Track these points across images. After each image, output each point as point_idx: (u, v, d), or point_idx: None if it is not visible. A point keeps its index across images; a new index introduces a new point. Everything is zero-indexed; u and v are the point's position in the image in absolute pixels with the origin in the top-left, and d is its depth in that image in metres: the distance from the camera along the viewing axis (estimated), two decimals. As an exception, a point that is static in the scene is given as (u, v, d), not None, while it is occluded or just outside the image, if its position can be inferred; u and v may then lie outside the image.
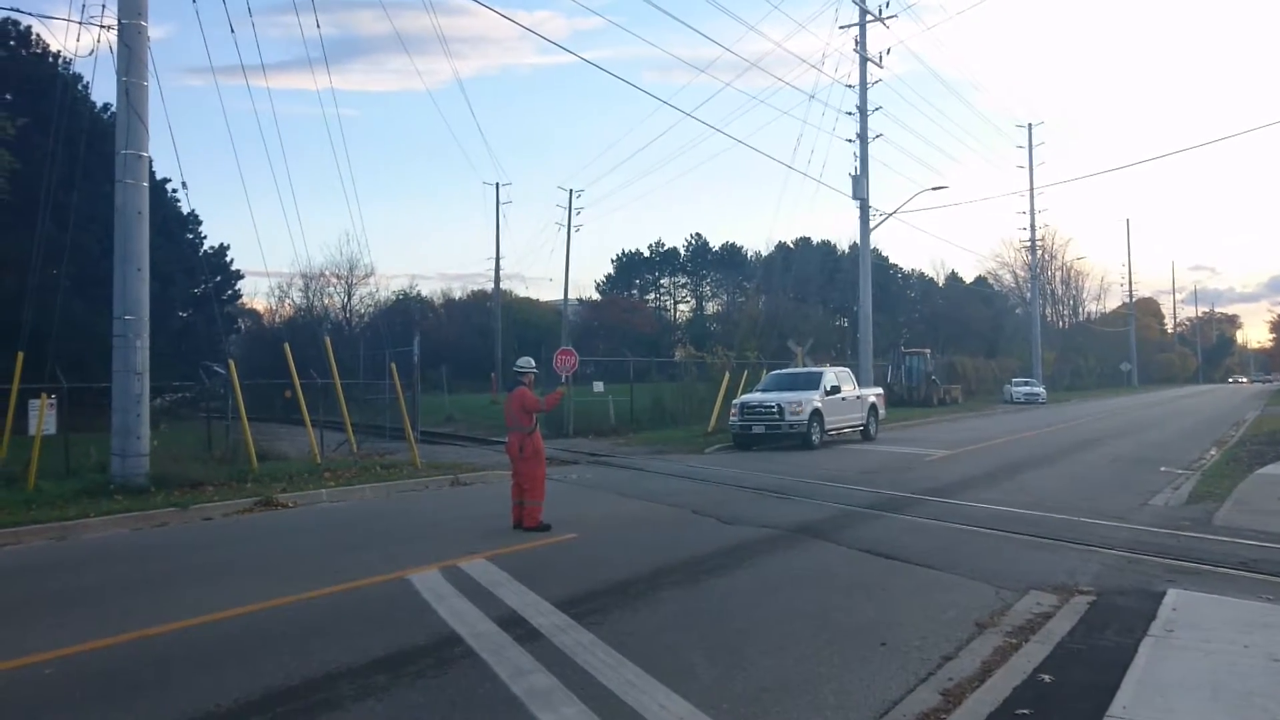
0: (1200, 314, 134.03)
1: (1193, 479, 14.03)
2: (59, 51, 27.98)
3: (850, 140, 33.49)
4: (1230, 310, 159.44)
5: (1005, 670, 5.19)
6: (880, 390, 27.30)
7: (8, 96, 26.86)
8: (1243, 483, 13.03)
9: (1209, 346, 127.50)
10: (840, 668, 5.33)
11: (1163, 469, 15.65)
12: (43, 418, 14.10)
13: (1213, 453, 18.46)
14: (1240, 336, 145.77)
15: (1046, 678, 5.03)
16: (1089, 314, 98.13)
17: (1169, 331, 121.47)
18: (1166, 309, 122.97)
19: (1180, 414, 35.26)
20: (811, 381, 22.64)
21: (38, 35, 30.12)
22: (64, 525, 10.88)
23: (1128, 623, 6.01)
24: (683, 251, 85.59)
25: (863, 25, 33.11)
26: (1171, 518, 10.58)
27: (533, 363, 11.14)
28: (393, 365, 19.64)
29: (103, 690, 5.16)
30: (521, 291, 70.32)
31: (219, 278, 38.73)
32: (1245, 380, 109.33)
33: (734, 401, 22.93)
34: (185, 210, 33.74)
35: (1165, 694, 4.65)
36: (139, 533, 10.96)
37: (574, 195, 49.73)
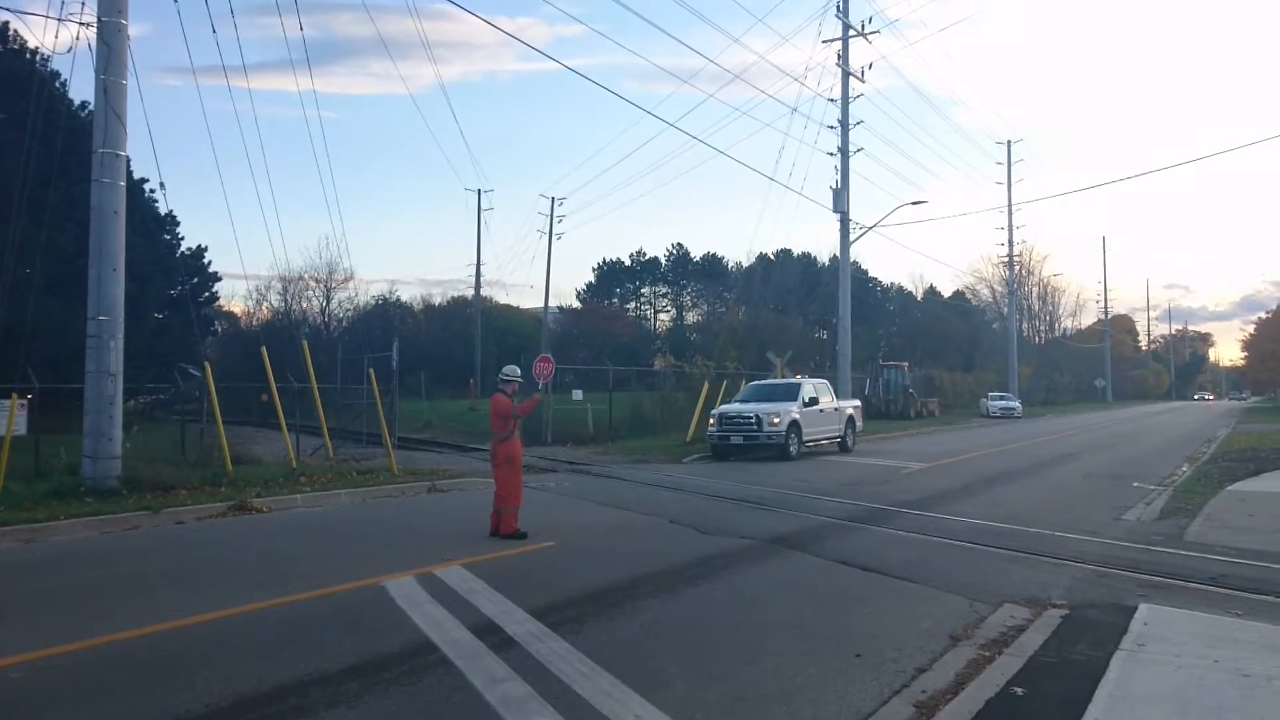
0: (1174, 332, 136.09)
1: (1165, 495, 14.17)
2: (37, 48, 27.68)
3: (832, 154, 33.72)
4: (1203, 329, 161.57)
5: (978, 683, 5.21)
6: (858, 402, 27.41)
7: (-17, 92, 26.53)
8: (1214, 499, 13.17)
9: (1182, 364, 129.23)
10: (816, 678, 5.34)
11: (1135, 484, 15.80)
12: (13, 418, 13.89)
13: (1185, 469, 18.66)
14: (1213, 354, 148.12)
15: (1019, 690, 5.06)
16: (1065, 330, 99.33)
17: (1143, 348, 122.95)
18: (1141, 326, 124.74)
19: (1153, 430, 35.64)
20: (790, 393, 22.73)
21: (15, 31, 29.81)
22: (33, 528, 10.72)
23: (1100, 636, 6.05)
24: (664, 261, 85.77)
25: (845, 40, 33.38)
26: (1143, 533, 10.68)
27: (517, 371, 11.17)
28: (371, 370, 19.54)
29: (71, 694, 5.08)
30: (502, 298, 70.17)
31: (196, 279, 38.41)
32: (1210, 397, 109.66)
33: (712, 412, 22.98)
34: (163, 210, 33.60)
35: (1136, 708, 4.69)
36: (109, 536, 10.82)
37: (556, 203, 49.66)
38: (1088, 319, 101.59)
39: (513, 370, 11.07)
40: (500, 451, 10.50)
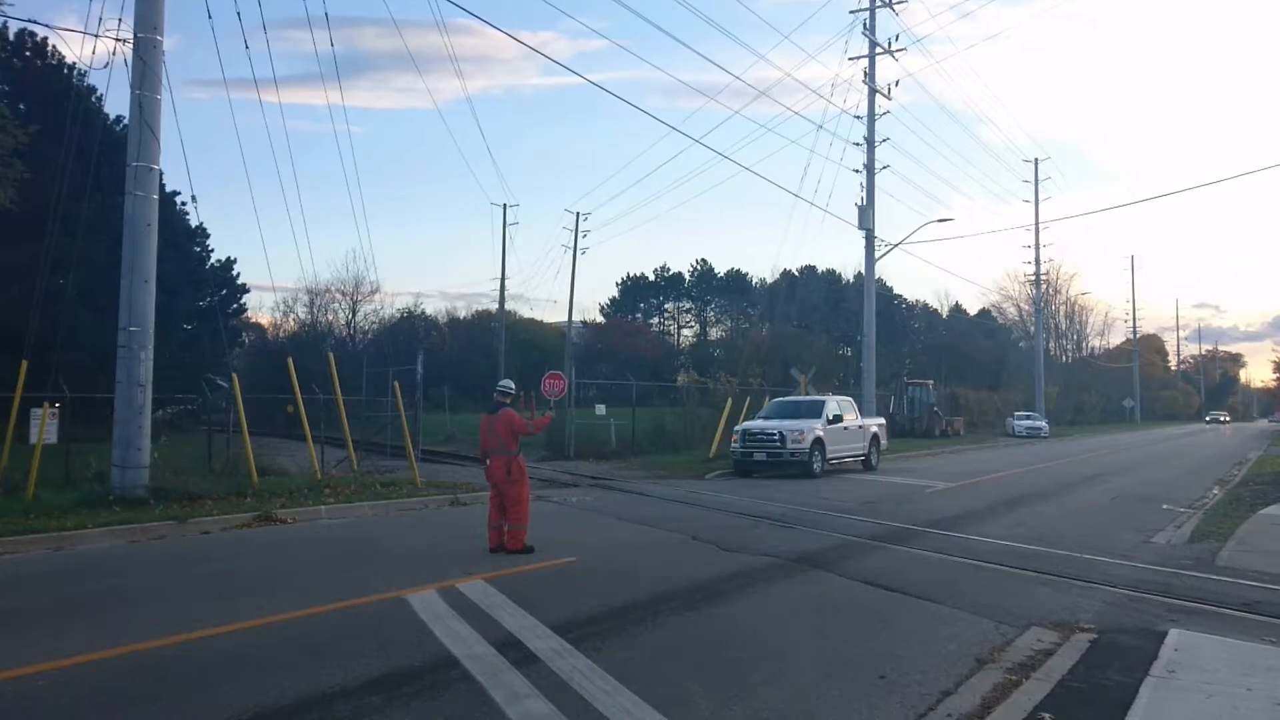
0: (1204, 352, 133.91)
1: (1195, 518, 13.95)
2: (74, 63, 28.25)
3: (857, 170, 33.66)
4: (1234, 349, 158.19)
5: (1005, 707, 5.13)
6: (882, 420, 27.26)
7: (21, 106, 27.08)
8: (1245, 523, 12.95)
9: (1212, 385, 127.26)
10: (839, 700, 5.28)
11: (1165, 507, 15.57)
12: (44, 426, 14.10)
13: (1215, 492, 18.37)
14: (1244, 375, 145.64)
15: (1047, 716, 4.98)
16: (1092, 349, 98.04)
17: (1172, 369, 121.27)
18: (1170, 346, 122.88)
19: (1182, 452, 35.15)
20: (814, 410, 22.61)
21: (53, 47, 30.51)
22: (61, 536, 10.85)
23: (1129, 662, 5.96)
24: (688, 276, 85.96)
25: (872, 57, 33.36)
26: (1173, 556, 10.52)
27: (512, 385, 11.24)
28: (395, 383, 19.65)
29: (94, 703, 5.12)
30: (526, 312, 70.39)
31: (225, 291, 38.89)
32: (1226, 418, 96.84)
33: (736, 428, 22.88)
34: (194, 223, 33.99)
35: (1167, 736, 4.60)
36: (136, 545, 10.93)
37: (580, 218, 49.78)
38: (1116, 338, 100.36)
39: (508, 384, 11.15)
40: (515, 468, 10.49)
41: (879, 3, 33.14)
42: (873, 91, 33.56)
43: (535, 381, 25.50)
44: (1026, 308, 75.05)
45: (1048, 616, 7.40)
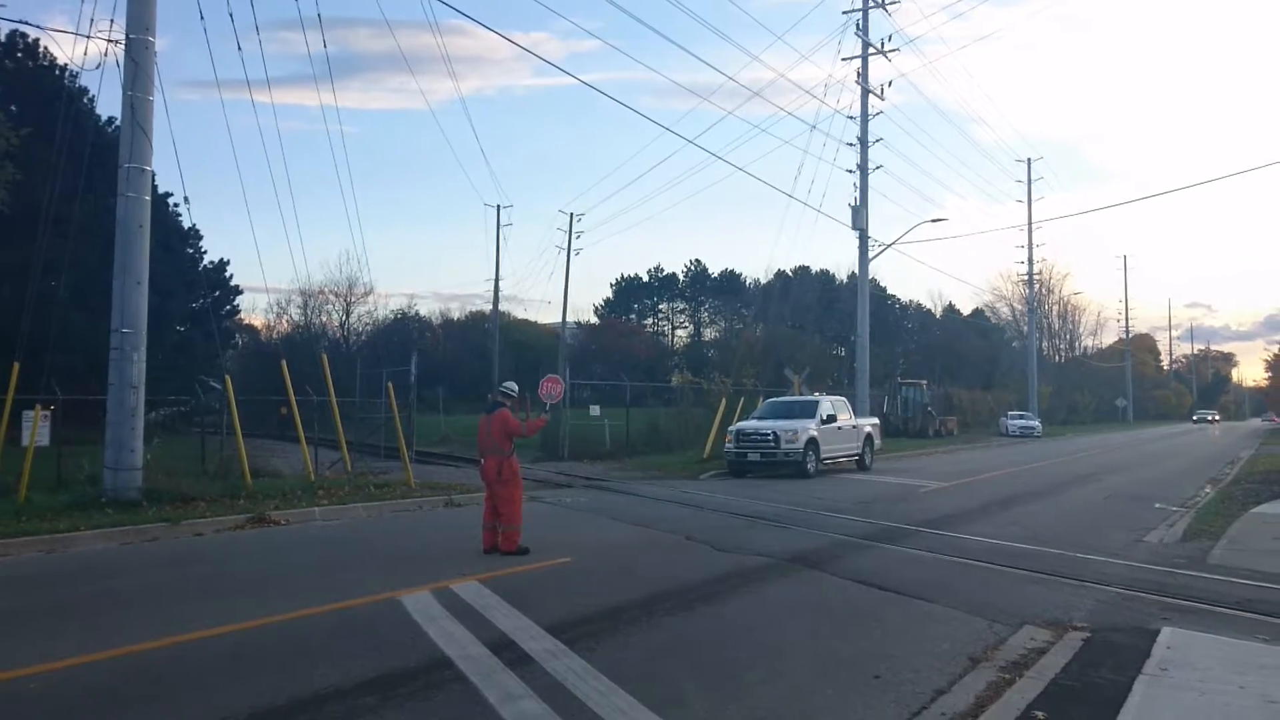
0: (1196, 351, 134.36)
1: (1187, 516, 14.00)
2: (66, 64, 28.14)
3: (850, 171, 33.71)
4: (1226, 348, 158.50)
5: (999, 706, 5.15)
6: (876, 420, 27.28)
7: (13, 108, 26.97)
8: (1237, 521, 13.00)
9: (1204, 384, 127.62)
10: (834, 699, 5.29)
11: (1157, 505, 15.62)
12: (36, 429, 14.04)
13: (1207, 490, 18.42)
14: (1236, 375, 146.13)
15: (1040, 714, 4.99)
16: (1085, 349, 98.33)
17: (1164, 368, 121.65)
18: (1162, 346, 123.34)
19: (1175, 451, 35.26)
20: (808, 410, 22.64)
21: (45, 48, 30.41)
22: (54, 538, 10.82)
23: (1122, 660, 5.97)
24: (682, 277, 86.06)
25: (865, 58, 33.42)
26: (1166, 555, 10.55)
27: (516, 387, 11.28)
28: (389, 384, 19.61)
29: (87, 706, 5.11)
30: (520, 313, 70.38)
31: (218, 292, 38.82)
32: (1215, 417, 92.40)
33: (730, 428, 22.91)
34: (186, 225, 33.90)
35: (1160, 733, 4.61)
36: (129, 547, 10.90)
37: (574, 219, 49.72)
38: (1108, 338, 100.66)
39: (511, 386, 11.19)
40: (506, 468, 10.49)
41: (872, 3, 33.23)
42: (866, 92, 33.64)
43: (528, 383, 25.45)
44: (1020, 307, 75.20)
45: (1041, 615, 7.42)
